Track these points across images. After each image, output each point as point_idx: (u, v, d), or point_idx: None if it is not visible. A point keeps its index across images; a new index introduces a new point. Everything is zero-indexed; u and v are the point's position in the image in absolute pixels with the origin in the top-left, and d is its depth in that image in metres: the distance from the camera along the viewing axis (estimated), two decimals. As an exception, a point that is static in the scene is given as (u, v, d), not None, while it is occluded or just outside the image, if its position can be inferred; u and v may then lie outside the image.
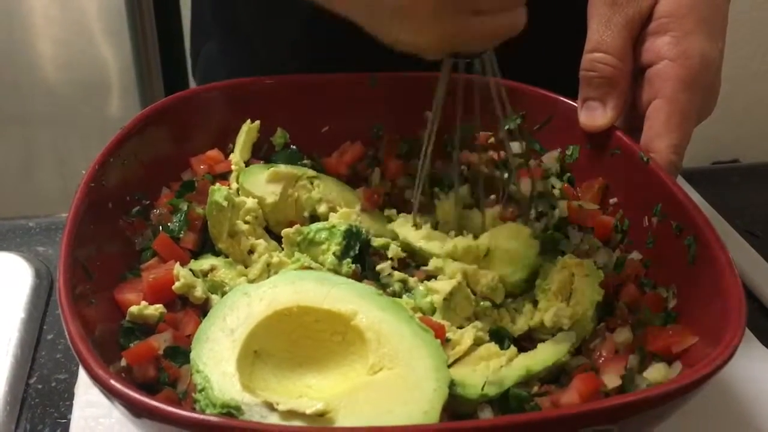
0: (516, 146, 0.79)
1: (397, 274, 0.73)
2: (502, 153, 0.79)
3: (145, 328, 0.65)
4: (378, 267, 0.73)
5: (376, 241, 0.75)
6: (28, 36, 1.94)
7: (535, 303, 0.70)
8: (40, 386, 0.74)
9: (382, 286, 0.72)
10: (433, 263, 0.73)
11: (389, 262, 0.74)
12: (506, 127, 0.80)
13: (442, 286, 0.69)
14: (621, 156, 0.74)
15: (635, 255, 0.71)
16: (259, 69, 0.84)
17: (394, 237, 0.78)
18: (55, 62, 1.98)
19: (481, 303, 0.70)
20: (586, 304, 0.67)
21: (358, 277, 0.72)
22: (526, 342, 0.68)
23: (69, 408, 0.71)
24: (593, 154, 0.77)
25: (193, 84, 1.26)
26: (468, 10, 0.60)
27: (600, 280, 0.68)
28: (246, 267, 0.73)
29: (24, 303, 0.81)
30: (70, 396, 0.72)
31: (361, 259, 0.73)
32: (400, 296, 0.71)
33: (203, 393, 0.56)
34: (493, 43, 0.64)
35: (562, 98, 0.80)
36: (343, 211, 0.77)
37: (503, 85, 0.70)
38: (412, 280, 0.73)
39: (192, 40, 1.18)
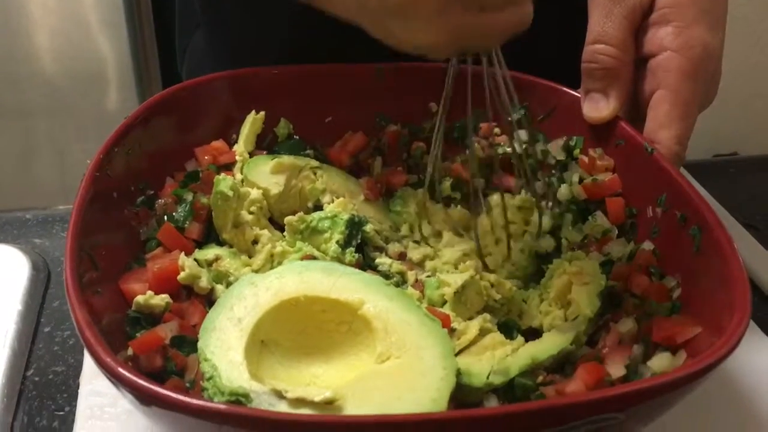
0: (521, 135, 0.79)
1: (395, 266, 0.73)
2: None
3: (150, 317, 0.65)
4: (377, 260, 0.73)
5: (374, 237, 0.75)
6: (26, 28, 1.93)
7: (542, 299, 0.71)
8: (37, 378, 0.73)
9: (384, 277, 0.72)
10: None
11: (388, 258, 0.74)
12: (509, 118, 0.80)
13: (454, 279, 0.69)
14: (625, 147, 0.74)
15: (647, 245, 0.70)
16: (245, 62, 0.84)
17: (396, 228, 0.78)
18: (52, 54, 1.97)
19: (492, 295, 0.70)
20: (580, 318, 0.67)
21: (360, 266, 0.72)
22: (532, 334, 0.68)
23: (67, 400, 0.71)
24: (597, 145, 0.77)
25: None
26: (475, 6, 0.58)
27: (600, 289, 0.68)
28: (250, 257, 0.73)
29: (21, 295, 0.80)
30: (68, 388, 0.72)
31: (360, 249, 0.74)
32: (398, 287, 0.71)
33: (211, 381, 0.56)
34: (502, 40, 0.62)
35: (565, 89, 0.80)
36: (339, 200, 0.77)
37: (510, 77, 0.69)
38: (410, 274, 0.73)
39: (178, 34, 1.17)
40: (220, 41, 1.05)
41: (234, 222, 0.73)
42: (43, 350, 0.77)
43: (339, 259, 0.72)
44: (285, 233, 0.75)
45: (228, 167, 0.79)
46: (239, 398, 0.54)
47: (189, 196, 0.74)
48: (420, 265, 0.75)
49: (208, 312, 0.64)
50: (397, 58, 0.78)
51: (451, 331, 0.65)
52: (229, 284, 0.69)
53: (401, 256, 0.76)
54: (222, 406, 0.50)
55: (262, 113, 0.82)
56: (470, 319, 0.68)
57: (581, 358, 0.64)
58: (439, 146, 0.73)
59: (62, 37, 1.96)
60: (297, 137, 0.84)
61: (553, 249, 0.75)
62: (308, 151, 0.83)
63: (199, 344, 0.59)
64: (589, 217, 0.75)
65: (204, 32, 1.08)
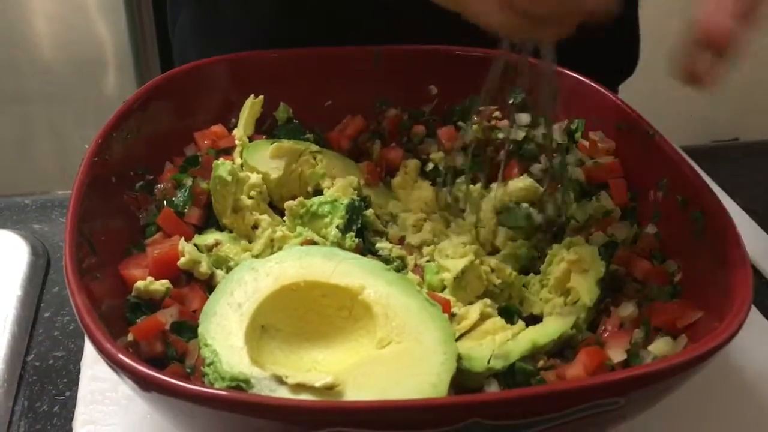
0: (523, 118, 0.78)
1: (396, 251, 0.73)
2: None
3: (150, 303, 0.65)
4: (377, 245, 0.73)
5: (375, 222, 0.75)
6: (24, 13, 1.92)
7: (542, 285, 0.70)
8: (37, 363, 0.74)
9: (384, 262, 0.71)
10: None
11: (388, 243, 0.74)
12: (511, 101, 0.80)
13: (454, 264, 0.69)
14: (626, 130, 0.74)
15: (650, 229, 0.70)
16: (232, 44, 0.83)
17: (395, 212, 0.78)
18: (51, 39, 1.96)
19: (492, 280, 0.70)
20: (578, 306, 0.67)
21: (360, 251, 0.72)
22: (533, 321, 0.68)
23: (67, 385, 0.71)
24: (598, 128, 0.77)
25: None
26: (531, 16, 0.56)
27: (599, 276, 0.67)
28: (250, 242, 0.73)
29: (21, 281, 0.80)
30: (68, 373, 0.72)
31: (361, 234, 0.73)
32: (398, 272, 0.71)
33: (212, 367, 0.56)
34: (576, 23, 0.58)
35: (567, 71, 0.79)
36: (340, 184, 0.76)
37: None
38: (410, 258, 0.73)
39: (169, 9, 1.16)
40: (206, 22, 1.04)
41: (234, 207, 0.73)
42: (43, 335, 0.77)
43: (339, 244, 0.71)
44: (285, 218, 0.75)
45: (227, 152, 0.78)
46: (240, 384, 0.54)
47: (188, 181, 0.74)
48: (419, 249, 0.75)
49: (208, 297, 0.63)
50: (387, 41, 0.77)
51: (452, 316, 0.65)
52: (229, 269, 0.69)
53: (401, 241, 0.76)
54: (222, 392, 0.50)
55: (261, 97, 0.81)
56: (470, 304, 0.68)
57: (582, 342, 0.64)
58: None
59: (60, 23, 1.95)
60: (296, 121, 0.83)
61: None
62: (308, 135, 0.82)
63: (200, 330, 0.59)
64: (593, 197, 0.74)
65: (190, 11, 1.07)
